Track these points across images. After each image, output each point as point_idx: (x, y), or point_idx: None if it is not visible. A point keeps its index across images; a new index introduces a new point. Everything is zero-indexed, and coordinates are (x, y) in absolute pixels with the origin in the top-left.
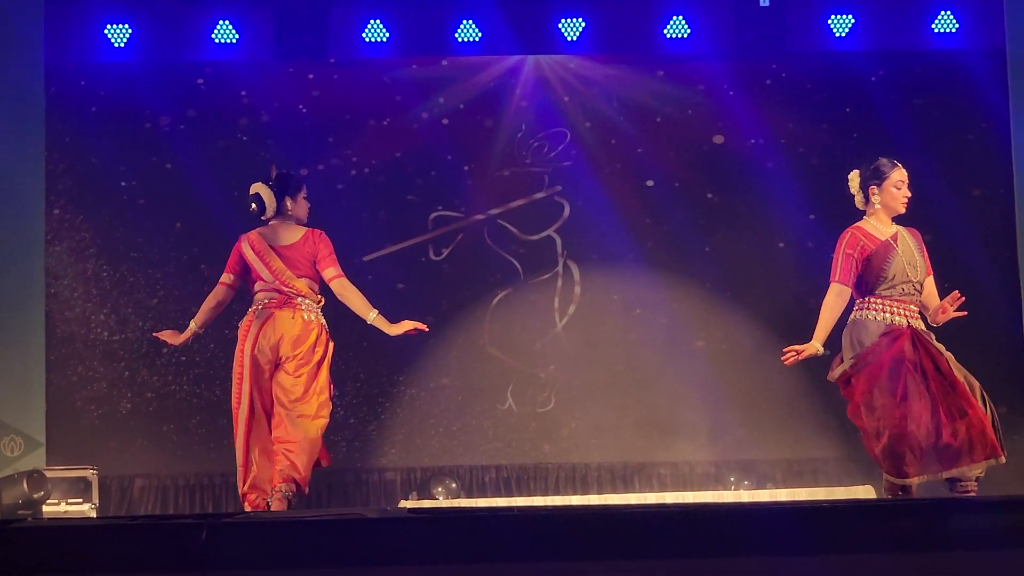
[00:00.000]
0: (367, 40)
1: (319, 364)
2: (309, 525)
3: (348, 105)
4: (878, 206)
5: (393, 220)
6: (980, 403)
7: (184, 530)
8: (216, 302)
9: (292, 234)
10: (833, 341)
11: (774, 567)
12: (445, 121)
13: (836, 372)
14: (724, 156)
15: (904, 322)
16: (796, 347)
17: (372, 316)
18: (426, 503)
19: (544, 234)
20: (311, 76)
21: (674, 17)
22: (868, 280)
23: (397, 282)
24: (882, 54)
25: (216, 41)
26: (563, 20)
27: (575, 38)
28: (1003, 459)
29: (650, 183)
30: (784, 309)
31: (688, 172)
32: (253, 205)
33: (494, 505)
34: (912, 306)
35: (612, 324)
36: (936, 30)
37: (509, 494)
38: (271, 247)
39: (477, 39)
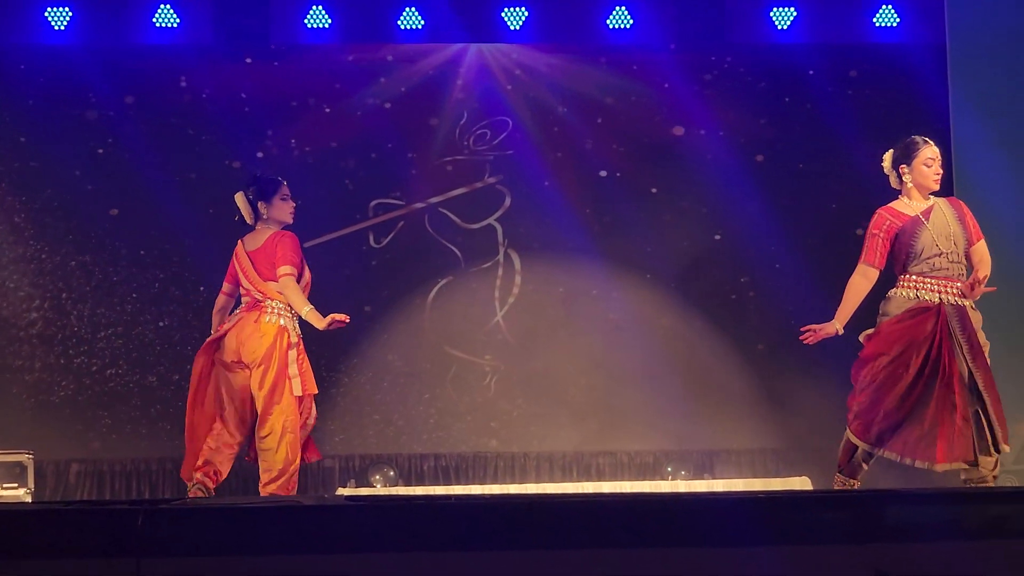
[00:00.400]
0: (309, 26)
1: (283, 366)
2: (246, 512)
3: (289, 91)
4: (910, 184)
5: (334, 207)
6: (969, 408)
7: (120, 516)
8: (218, 309)
9: (262, 237)
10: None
11: (715, 558)
12: (387, 108)
13: (863, 334)
14: (665, 146)
15: (935, 299)
16: (814, 326)
17: (305, 311)
18: (364, 491)
19: (485, 223)
20: (252, 61)
21: (617, 7)
22: (900, 258)
23: (337, 270)
24: (823, 47)
25: (157, 25)
26: (506, 9)
27: (518, 27)
28: (989, 477)
29: (593, 173)
30: (724, 300)
31: (630, 162)
32: (237, 216)
33: (432, 493)
34: (947, 282)
35: (552, 313)
36: (877, 24)
37: (448, 482)
38: (246, 252)
39: (420, 27)
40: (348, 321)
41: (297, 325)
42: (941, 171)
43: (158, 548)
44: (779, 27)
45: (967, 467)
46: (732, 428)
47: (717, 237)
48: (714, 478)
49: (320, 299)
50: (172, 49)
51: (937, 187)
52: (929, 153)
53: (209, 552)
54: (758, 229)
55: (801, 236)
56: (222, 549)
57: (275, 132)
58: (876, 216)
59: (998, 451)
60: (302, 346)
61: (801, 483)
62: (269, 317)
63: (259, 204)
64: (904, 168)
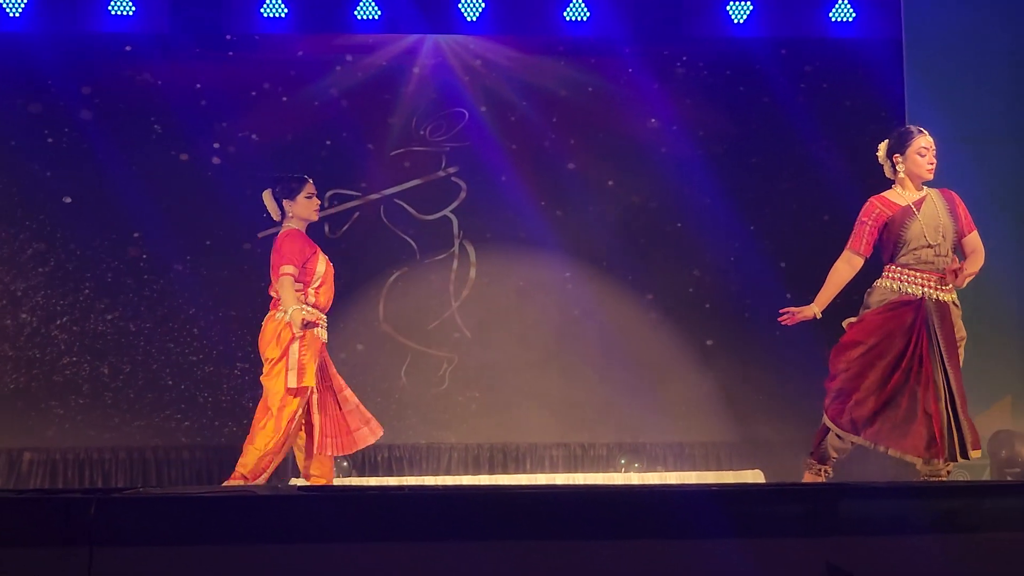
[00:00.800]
0: (265, 15)
1: (284, 361)
2: (199, 501)
3: (245, 81)
4: (903, 174)
5: None
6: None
7: (73, 504)
8: None
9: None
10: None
11: (668, 550)
12: (343, 99)
13: (846, 321)
14: (622, 139)
15: (919, 291)
16: (793, 309)
17: (291, 311)
18: None
19: (441, 214)
20: (208, 51)
21: (574, 0)
22: (888, 247)
23: None
24: (780, 41)
25: (112, 13)
26: (463, 0)
27: (475, 18)
28: (943, 472)
29: (549, 165)
30: (680, 292)
31: (586, 155)
32: (265, 213)
33: (386, 484)
34: (932, 276)
35: (507, 305)
36: (833, 19)
37: (401, 473)
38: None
39: (376, 17)
40: (319, 323)
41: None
42: (935, 161)
43: (111, 537)
44: (735, 21)
45: (924, 461)
46: (686, 421)
47: (672, 229)
48: (667, 471)
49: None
50: (128, 38)
51: (931, 176)
52: (923, 142)
53: (162, 541)
54: (714, 223)
55: (757, 230)
56: (175, 538)
57: (231, 122)
58: (867, 204)
59: (966, 457)
60: (307, 341)
61: (754, 476)
62: (278, 314)
63: (284, 202)
64: (898, 157)
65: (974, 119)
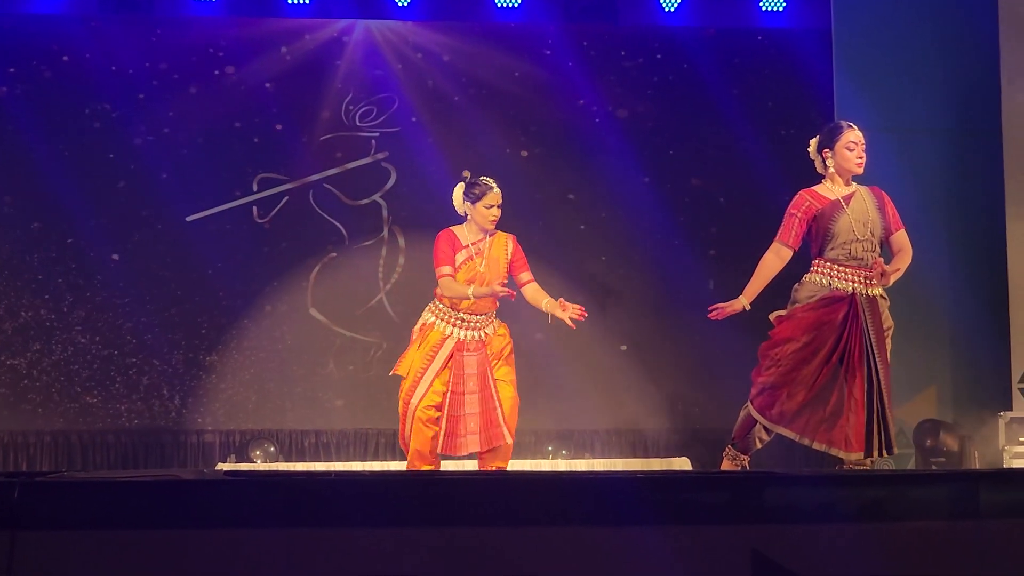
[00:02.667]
0: None
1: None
2: (124, 486)
3: (174, 64)
4: (832, 169)
5: (218, 182)
6: (867, 401)
7: None
8: None
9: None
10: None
11: (595, 537)
12: (272, 83)
13: (774, 314)
14: (552, 126)
15: (848, 287)
16: (721, 304)
17: (470, 293)
18: (244, 466)
19: (370, 200)
20: (136, 33)
21: None
22: (816, 241)
23: (221, 244)
24: (710, 31)
25: None
26: None
27: (406, 4)
28: (868, 463)
29: (479, 151)
30: (607, 280)
31: (516, 141)
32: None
33: (313, 469)
34: (862, 271)
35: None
36: (764, 8)
37: (328, 459)
38: None
39: (307, 1)
40: (514, 296)
41: (433, 317)
42: (864, 156)
43: (34, 521)
44: (666, 9)
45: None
46: (613, 408)
47: (599, 217)
48: (595, 458)
49: (206, 274)
50: (54, 19)
51: (860, 171)
52: (852, 137)
53: (87, 526)
54: (641, 212)
55: (685, 219)
56: (100, 523)
57: (160, 105)
58: (797, 196)
59: (891, 452)
60: (423, 334)
61: (681, 463)
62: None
63: (466, 204)
64: (827, 152)
65: (902, 110)
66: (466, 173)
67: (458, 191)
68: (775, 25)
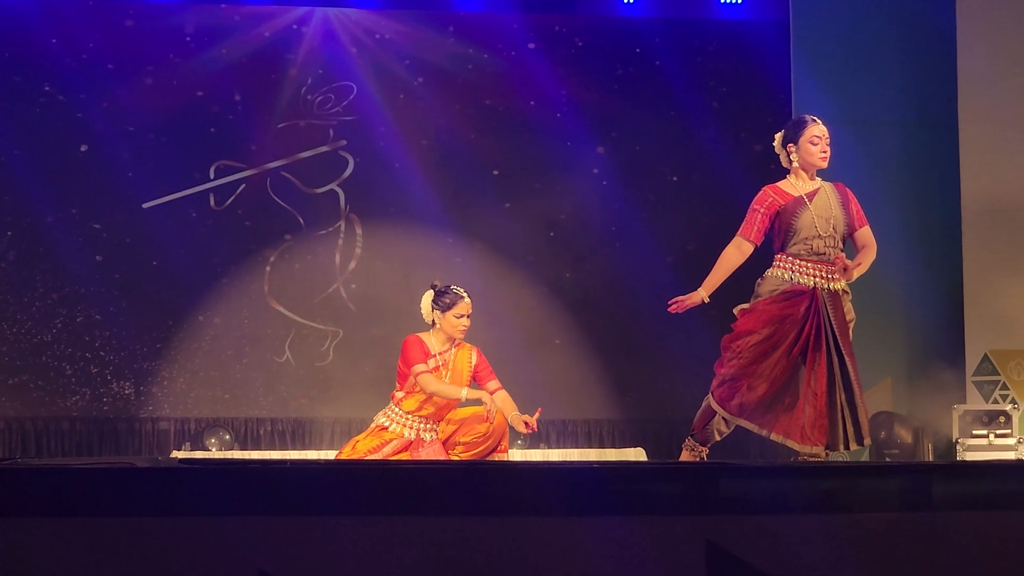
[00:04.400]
0: None
1: None
2: (79, 473)
3: (133, 50)
4: (796, 164)
5: (175, 168)
6: (829, 394)
7: None
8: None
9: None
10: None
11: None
12: (231, 70)
13: (737, 307)
14: (509, 116)
15: (810, 282)
16: (680, 297)
17: (463, 394)
18: (199, 454)
19: (327, 188)
20: (97, 18)
21: None
22: (780, 236)
23: (178, 231)
24: (669, 22)
25: None
26: None
27: None
28: (822, 455)
29: (438, 141)
30: (566, 271)
31: (474, 132)
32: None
33: (268, 457)
34: (824, 266)
35: (392, 280)
36: (722, 0)
37: (284, 447)
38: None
39: None
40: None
41: (388, 422)
42: (828, 150)
43: None
44: (625, 0)
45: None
46: (569, 399)
47: (558, 208)
48: (550, 448)
49: (162, 261)
50: (16, 1)
51: (824, 165)
52: (816, 131)
53: (40, 513)
54: (599, 203)
55: (643, 211)
56: (54, 510)
57: (119, 91)
58: (761, 192)
59: (861, 444)
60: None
61: (636, 454)
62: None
63: (435, 312)
64: (791, 147)
65: (860, 102)
66: (436, 282)
67: (426, 299)
68: (733, 17)
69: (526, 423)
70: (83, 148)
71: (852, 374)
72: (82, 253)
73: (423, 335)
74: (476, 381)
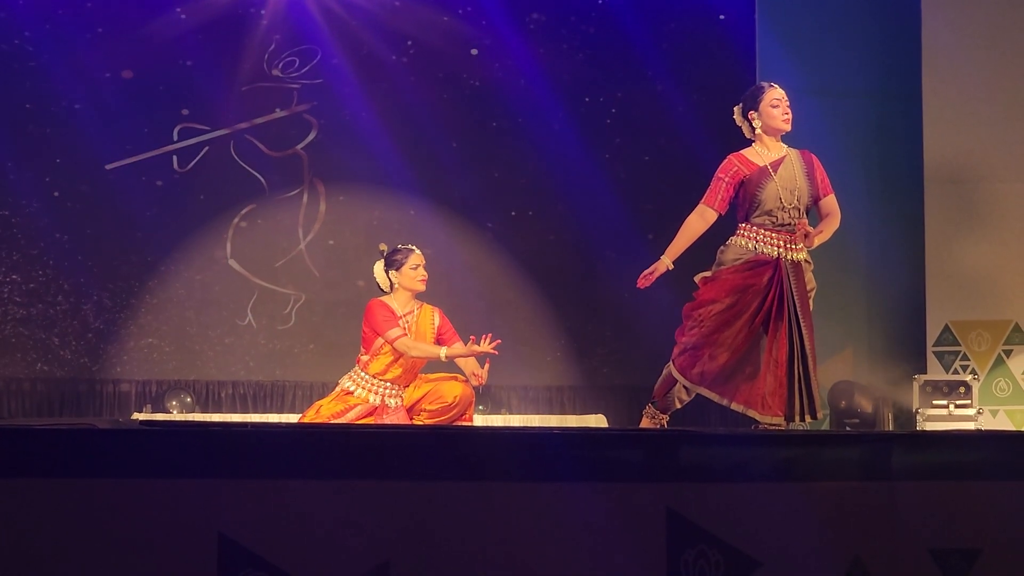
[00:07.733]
0: None
1: None
2: (39, 434)
3: (96, 12)
4: (759, 130)
5: (137, 130)
6: (789, 365)
7: None
8: None
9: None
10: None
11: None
12: (194, 32)
13: (698, 275)
14: (477, 84)
15: (774, 252)
16: (647, 271)
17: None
18: (160, 416)
19: (291, 151)
20: None
21: None
22: (744, 206)
23: (141, 194)
24: None
25: None
26: None
27: None
28: (782, 424)
29: (402, 105)
30: (531, 238)
31: (440, 98)
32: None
33: (229, 420)
34: (788, 236)
35: (356, 244)
36: None
37: (245, 410)
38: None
39: None
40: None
41: (353, 385)
42: (789, 112)
43: None
44: None
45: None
46: (530, 365)
47: (528, 174)
48: (512, 414)
49: (123, 223)
50: None
51: (788, 127)
52: (775, 95)
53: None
54: (565, 169)
55: (609, 177)
56: (13, 471)
57: (82, 54)
58: (726, 160)
59: (815, 416)
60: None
61: (597, 420)
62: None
63: (391, 273)
64: (753, 114)
65: (826, 73)
66: (382, 247)
67: (378, 267)
68: None
69: (475, 374)
70: (37, 106)
71: (808, 346)
72: (44, 214)
73: (386, 299)
74: (440, 342)
